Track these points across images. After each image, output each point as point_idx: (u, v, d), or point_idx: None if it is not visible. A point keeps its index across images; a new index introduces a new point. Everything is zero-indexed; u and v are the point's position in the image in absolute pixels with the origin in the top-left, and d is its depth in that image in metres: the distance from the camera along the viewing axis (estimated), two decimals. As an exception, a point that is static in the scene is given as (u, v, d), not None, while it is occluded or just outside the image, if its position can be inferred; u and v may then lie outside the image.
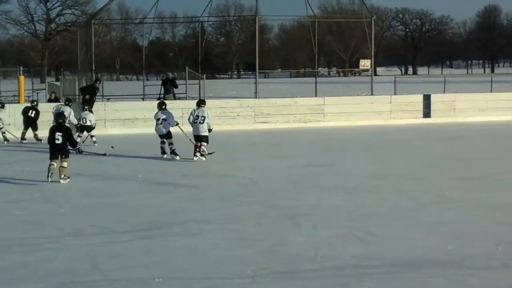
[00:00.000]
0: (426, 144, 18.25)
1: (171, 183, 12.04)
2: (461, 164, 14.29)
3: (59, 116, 13.63)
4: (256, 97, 24.64)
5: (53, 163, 12.06)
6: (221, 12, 79.38)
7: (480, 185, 11.57)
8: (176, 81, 25.76)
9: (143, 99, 26.04)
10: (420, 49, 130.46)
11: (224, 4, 78.66)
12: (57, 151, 12.14)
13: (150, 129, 20.81)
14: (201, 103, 15.35)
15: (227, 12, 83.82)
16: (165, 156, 14.98)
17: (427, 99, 24.80)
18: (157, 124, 15.34)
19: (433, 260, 7.04)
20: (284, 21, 53.47)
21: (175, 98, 24.02)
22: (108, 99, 25.89)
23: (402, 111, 24.33)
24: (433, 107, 24.57)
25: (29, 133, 18.56)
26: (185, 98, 24.55)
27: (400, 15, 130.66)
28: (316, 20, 28.96)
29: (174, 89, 24.55)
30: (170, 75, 25.57)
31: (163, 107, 15.66)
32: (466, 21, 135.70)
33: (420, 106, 24.61)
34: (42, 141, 16.64)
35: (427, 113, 24.53)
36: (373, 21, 28.06)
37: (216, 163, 14.03)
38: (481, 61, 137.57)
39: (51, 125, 13.79)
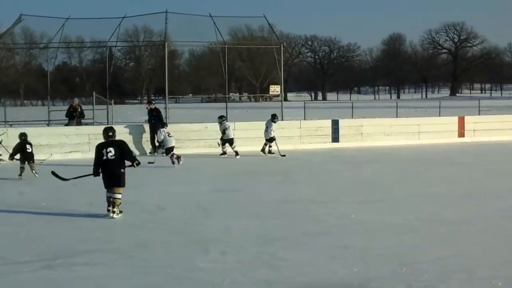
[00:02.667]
0: (334, 168, 18.56)
1: (77, 211, 11.67)
2: (368, 187, 14.58)
3: None
4: (166, 123, 24.40)
5: None
6: (130, 37, 78.49)
7: (385, 207, 11.81)
8: (83, 106, 25.23)
9: (48, 124, 25.34)
10: (329, 76, 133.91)
11: (133, 29, 77.69)
12: None
13: (54, 155, 20.35)
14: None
15: (136, 37, 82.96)
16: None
17: (335, 124, 25.31)
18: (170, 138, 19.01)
19: (339, 283, 7.09)
20: (195, 46, 53.58)
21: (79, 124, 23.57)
22: (11, 125, 25.02)
23: (311, 136, 24.72)
24: (341, 131, 25.09)
25: None
26: (92, 124, 24.06)
27: (309, 42, 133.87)
28: (226, 46, 29.14)
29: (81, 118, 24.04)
30: (77, 100, 24.93)
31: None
32: (372, 49, 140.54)
33: (329, 131, 25.08)
34: None
35: (335, 138, 25.01)
36: (282, 47, 28.51)
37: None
38: (387, 87, 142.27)
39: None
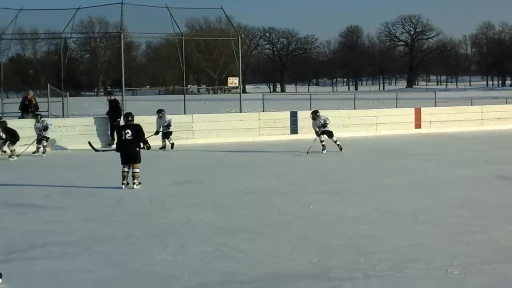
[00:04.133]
0: (293, 160, 18.64)
1: (32, 204, 11.50)
2: (327, 178, 14.70)
3: None
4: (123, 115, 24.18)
5: None
6: (85, 28, 77.38)
7: (344, 198, 11.92)
8: (38, 98, 24.82)
9: (1, 117, 24.83)
10: (288, 68, 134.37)
11: (88, 20, 76.63)
12: None
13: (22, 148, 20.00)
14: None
15: (91, 29, 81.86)
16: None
17: (294, 116, 25.44)
18: None
19: (300, 273, 7.13)
20: (151, 38, 53.12)
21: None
22: (-37, 117, 24.48)
23: (270, 127, 24.81)
24: (300, 123, 25.21)
25: None
26: (47, 116, 23.68)
27: (267, 34, 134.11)
28: (184, 37, 28.97)
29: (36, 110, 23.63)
30: (31, 93, 24.52)
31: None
32: (330, 41, 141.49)
33: (287, 123, 25.21)
34: None
35: (294, 130, 25.15)
36: (240, 39, 28.48)
37: (80, 182, 13.61)
38: (345, 79, 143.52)
39: None
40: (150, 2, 28.02)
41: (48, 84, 26.10)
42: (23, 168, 17.09)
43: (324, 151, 19.59)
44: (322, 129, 19.91)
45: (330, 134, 19.90)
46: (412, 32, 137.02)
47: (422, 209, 10.69)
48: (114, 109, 22.34)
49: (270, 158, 19.22)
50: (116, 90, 49.11)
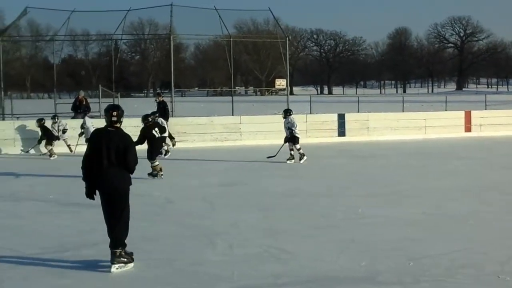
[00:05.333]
0: (340, 162, 18.57)
1: (84, 203, 11.69)
2: (374, 181, 14.59)
3: None
4: (172, 116, 24.48)
5: None
6: (136, 30, 78.80)
7: (392, 201, 11.82)
8: (89, 99, 25.27)
9: (57, 118, 25.35)
10: (335, 69, 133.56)
11: (138, 22, 77.98)
12: None
13: (63, 148, 20.46)
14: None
15: (141, 30, 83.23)
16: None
17: (341, 118, 25.33)
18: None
19: (347, 277, 7.11)
20: (200, 40, 53.62)
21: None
22: (17, 117, 25.12)
23: (318, 130, 24.75)
24: (347, 126, 25.12)
25: None
26: (99, 117, 24.09)
27: (315, 36, 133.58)
28: (232, 39, 29.13)
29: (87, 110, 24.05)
30: (82, 93, 24.99)
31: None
32: (378, 43, 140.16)
33: (335, 125, 25.11)
34: None
35: (341, 132, 25.05)
36: (287, 41, 28.49)
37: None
38: (393, 82, 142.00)
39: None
40: (199, 3, 28.31)
41: (100, 85, 26.59)
42: (72, 168, 17.40)
43: (292, 161, 18.01)
44: (288, 135, 18.31)
45: (294, 140, 18.22)
46: (461, 34, 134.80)
47: (472, 213, 10.55)
48: (162, 110, 22.58)
49: (317, 160, 19.15)
50: (165, 91, 49.69)
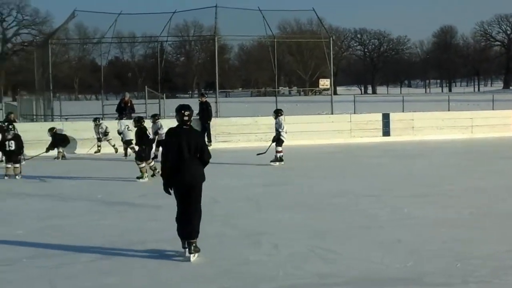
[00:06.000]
0: (385, 162, 18.43)
1: (131, 203, 11.92)
2: (419, 181, 14.44)
3: None
4: (216, 116, 24.64)
5: None
6: (181, 32, 79.27)
7: (437, 202, 11.69)
8: (135, 100, 25.59)
9: (102, 118, 25.77)
10: (379, 69, 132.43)
11: (183, 24, 78.56)
12: None
13: (109, 148, 20.79)
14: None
15: (186, 32, 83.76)
16: None
17: (386, 117, 25.14)
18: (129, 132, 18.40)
19: (393, 277, 7.07)
20: (244, 41, 53.85)
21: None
22: (66, 119, 25.61)
23: (362, 129, 24.62)
24: (392, 125, 24.91)
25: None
26: (145, 118, 24.38)
27: (359, 35, 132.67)
28: (276, 40, 29.15)
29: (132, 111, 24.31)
30: (128, 95, 25.32)
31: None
32: (423, 41, 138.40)
33: (379, 125, 24.94)
34: None
35: (386, 132, 24.85)
36: (331, 41, 28.41)
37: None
38: (438, 81, 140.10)
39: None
40: (243, 5, 28.42)
41: (146, 86, 26.91)
42: (115, 168, 17.67)
43: (276, 163, 17.47)
44: (275, 136, 17.79)
45: (279, 142, 17.68)
46: (509, 32, 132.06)
47: (521, 214, 10.37)
48: (205, 111, 22.76)
49: (361, 160, 19.07)
50: (209, 92, 50.01)
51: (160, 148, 19.14)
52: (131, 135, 19.04)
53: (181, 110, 7.96)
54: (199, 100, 23.54)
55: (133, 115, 23.47)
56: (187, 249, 7.87)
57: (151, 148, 15.97)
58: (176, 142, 7.84)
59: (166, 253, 8.18)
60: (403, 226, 9.62)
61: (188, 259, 7.79)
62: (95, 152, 20.78)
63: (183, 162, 7.82)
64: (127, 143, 19.57)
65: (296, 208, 11.19)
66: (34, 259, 7.99)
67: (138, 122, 15.55)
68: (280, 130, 17.66)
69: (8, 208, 11.74)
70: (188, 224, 7.92)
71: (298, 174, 15.97)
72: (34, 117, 27.38)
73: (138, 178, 14.97)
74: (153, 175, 15.10)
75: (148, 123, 17.11)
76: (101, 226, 9.96)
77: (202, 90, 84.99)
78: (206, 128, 22.41)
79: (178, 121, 8.02)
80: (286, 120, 23.87)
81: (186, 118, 7.93)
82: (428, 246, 8.32)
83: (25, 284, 7.06)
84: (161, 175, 8.04)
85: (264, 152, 17.90)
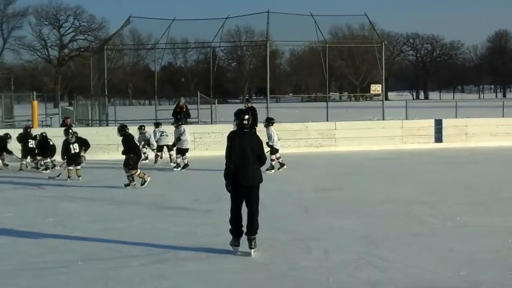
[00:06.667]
0: (437, 169, 18.20)
1: (183, 207, 12.07)
2: (473, 189, 14.23)
3: None
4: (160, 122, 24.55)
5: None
6: (233, 37, 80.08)
7: (492, 210, 11.50)
8: (188, 105, 25.84)
9: (160, 124, 26.08)
10: (431, 74, 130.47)
11: (235, 30, 79.39)
12: None
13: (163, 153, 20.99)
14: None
15: (238, 37, 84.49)
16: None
17: (438, 124, 24.82)
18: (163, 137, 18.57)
19: (445, 286, 7.00)
20: (295, 46, 54.00)
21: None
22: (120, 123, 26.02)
23: (414, 135, 24.36)
24: (444, 131, 24.58)
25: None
26: (197, 123, 24.68)
27: (411, 40, 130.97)
28: (327, 45, 29.10)
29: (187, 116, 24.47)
30: (183, 100, 25.61)
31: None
32: (477, 46, 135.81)
33: (431, 131, 24.63)
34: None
35: (438, 138, 24.53)
36: (383, 46, 28.21)
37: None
38: (492, 86, 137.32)
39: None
40: (294, 10, 28.54)
41: (198, 92, 27.18)
42: (164, 174, 17.90)
43: (272, 171, 17.29)
44: (269, 144, 17.44)
45: (273, 151, 17.59)
46: None
47: None
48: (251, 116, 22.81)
49: (412, 167, 18.87)
50: (260, 97, 50.17)
51: (166, 152, 19.65)
52: (168, 140, 19.36)
53: (240, 115, 8.53)
54: (245, 106, 23.65)
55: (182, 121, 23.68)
56: (248, 245, 8.37)
57: (140, 156, 15.71)
58: (241, 144, 8.31)
59: (218, 258, 8.27)
60: (456, 234, 9.51)
61: (249, 254, 8.29)
62: None
63: (247, 163, 8.31)
64: (159, 148, 19.81)
65: (347, 214, 11.16)
66: (90, 262, 8.17)
67: (123, 130, 15.15)
68: (268, 141, 17.31)
69: (65, 211, 12.02)
70: (251, 221, 8.40)
71: (349, 180, 15.91)
72: (90, 121, 27.95)
73: (126, 185, 14.80)
74: (143, 184, 14.76)
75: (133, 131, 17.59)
76: (155, 229, 10.09)
77: (247, 96, 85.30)
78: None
79: (237, 125, 8.56)
80: (337, 126, 23.87)
81: (245, 122, 8.49)
82: (482, 255, 8.21)
83: (80, 286, 7.23)
84: (225, 176, 8.35)
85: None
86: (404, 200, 12.62)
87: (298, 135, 23.42)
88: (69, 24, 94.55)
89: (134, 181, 14.89)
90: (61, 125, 24.62)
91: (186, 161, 18.15)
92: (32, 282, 7.37)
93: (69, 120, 25.31)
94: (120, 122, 26.37)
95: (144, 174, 14.96)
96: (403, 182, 15.63)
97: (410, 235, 9.50)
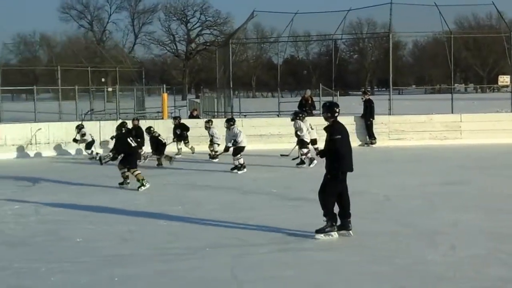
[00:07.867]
0: None
1: (304, 198, 12.15)
2: None
3: None
4: (390, 114, 24.41)
5: None
6: (354, 30, 79.26)
7: None
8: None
9: (278, 115, 26.47)
10: None
11: (357, 22, 78.46)
12: None
13: (284, 145, 21.22)
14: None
15: (360, 30, 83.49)
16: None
17: None
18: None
19: None
20: (419, 37, 52.71)
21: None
22: (245, 115, 26.59)
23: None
24: None
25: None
26: (318, 115, 24.70)
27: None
28: (452, 36, 28.23)
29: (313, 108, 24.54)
30: (309, 92, 25.73)
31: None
32: None
33: None
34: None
35: None
36: None
37: (349, 179, 14.04)
38: None
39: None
40: (418, 0, 27.86)
41: (320, 84, 27.25)
42: (286, 163, 18.08)
43: (303, 166, 16.82)
44: (300, 138, 16.87)
45: (302, 144, 16.90)
46: None
47: None
48: (368, 109, 22.66)
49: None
50: (382, 89, 49.56)
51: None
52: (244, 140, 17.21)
53: (333, 107, 9.16)
54: (362, 98, 23.45)
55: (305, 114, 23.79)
56: (348, 228, 9.04)
57: (136, 155, 14.81)
58: (346, 135, 8.99)
59: (342, 249, 8.36)
60: None
61: (349, 235, 8.94)
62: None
63: (350, 151, 9.04)
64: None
65: (474, 209, 10.86)
66: (217, 249, 8.43)
67: (120, 128, 14.76)
68: (299, 133, 16.88)
69: (193, 199, 12.44)
70: (348, 206, 9.12)
71: (476, 173, 15.42)
72: (215, 113, 28.70)
73: (120, 184, 14.08)
74: (140, 187, 13.62)
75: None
76: (279, 219, 10.18)
77: (362, 88, 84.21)
78: (368, 126, 22.34)
79: (329, 117, 9.05)
80: (463, 119, 23.16)
81: (337, 114, 9.10)
82: None
83: (208, 272, 7.46)
84: (336, 167, 8.89)
85: (288, 155, 17.44)
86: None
87: (422, 128, 22.93)
88: (196, 19, 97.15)
89: (128, 179, 14.06)
90: (189, 117, 25.46)
91: (241, 160, 16.40)
92: (161, 267, 7.68)
93: (196, 111, 26.14)
94: (245, 113, 26.97)
95: (143, 179, 13.71)
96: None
97: (543, 232, 9.12)
